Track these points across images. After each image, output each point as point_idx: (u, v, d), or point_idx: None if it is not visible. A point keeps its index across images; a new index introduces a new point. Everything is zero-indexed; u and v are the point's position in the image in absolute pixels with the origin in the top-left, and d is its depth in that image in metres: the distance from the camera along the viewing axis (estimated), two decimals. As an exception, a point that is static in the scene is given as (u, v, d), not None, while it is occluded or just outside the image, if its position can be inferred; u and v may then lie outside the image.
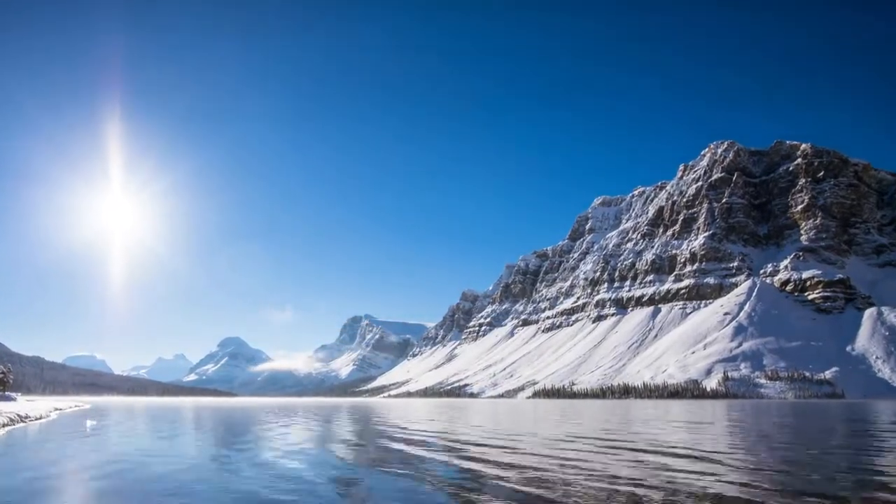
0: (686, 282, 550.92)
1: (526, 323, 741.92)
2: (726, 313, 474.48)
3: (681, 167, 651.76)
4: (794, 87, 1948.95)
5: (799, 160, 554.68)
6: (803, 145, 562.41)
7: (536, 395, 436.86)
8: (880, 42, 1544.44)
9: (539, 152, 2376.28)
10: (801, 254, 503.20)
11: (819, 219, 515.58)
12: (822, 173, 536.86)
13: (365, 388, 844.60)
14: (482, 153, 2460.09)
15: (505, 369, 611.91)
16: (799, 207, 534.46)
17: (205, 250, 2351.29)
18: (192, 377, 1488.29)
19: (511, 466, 15.40)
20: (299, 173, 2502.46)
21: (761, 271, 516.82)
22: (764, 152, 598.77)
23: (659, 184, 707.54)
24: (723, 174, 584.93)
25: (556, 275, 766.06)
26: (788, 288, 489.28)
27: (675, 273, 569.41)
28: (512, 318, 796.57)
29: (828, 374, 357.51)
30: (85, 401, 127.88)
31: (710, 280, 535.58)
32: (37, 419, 38.25)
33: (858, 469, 15.77)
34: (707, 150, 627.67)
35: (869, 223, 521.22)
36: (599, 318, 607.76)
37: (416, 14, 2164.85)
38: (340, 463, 15.77)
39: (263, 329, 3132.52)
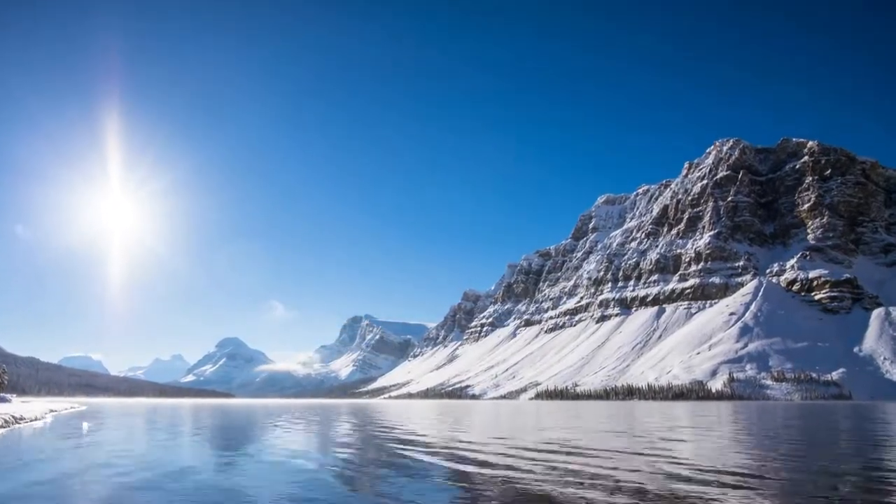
0: (691, 281, 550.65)
1: (528, 323, 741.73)
2: (732, 313, 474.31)
3: (686, 165, 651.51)
4: (800, 84, 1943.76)
5: (805, 158, 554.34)
6: (810, 143, 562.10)
7: (539, 396, 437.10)
8: (888, 39, 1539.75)
9: (542, 149, 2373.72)
10: (807, 253, 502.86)
11: (826, 217, 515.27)
12: (829, 171, 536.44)
13: (365, 389, 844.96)
14: (484, 150, 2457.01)
15: (507, 370, 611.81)
16: (805, 206, 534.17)
17: (204, 249, 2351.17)
18: (190, 378, 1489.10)
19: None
20: (299, 171, 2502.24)
21: (767, 271, 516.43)
22: (770, 150, 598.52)
23: (663, 182, 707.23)
24: (728, 172, 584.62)
25: (559, 274, 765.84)
26: (795, 288, 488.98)
27: (679, 273, 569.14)
28: (514, 319, 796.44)
29: (835, 376, 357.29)
30: (81, 402, 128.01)
31: (716, 280, 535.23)
32: (32, 421, 38.27)
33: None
34: (712, 147, 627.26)
35: (877, 222, 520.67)
36: (603, 319, 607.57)
37: (417, 9, 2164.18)
38: (342, 470, 15.71)
39: (262, 329, 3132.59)
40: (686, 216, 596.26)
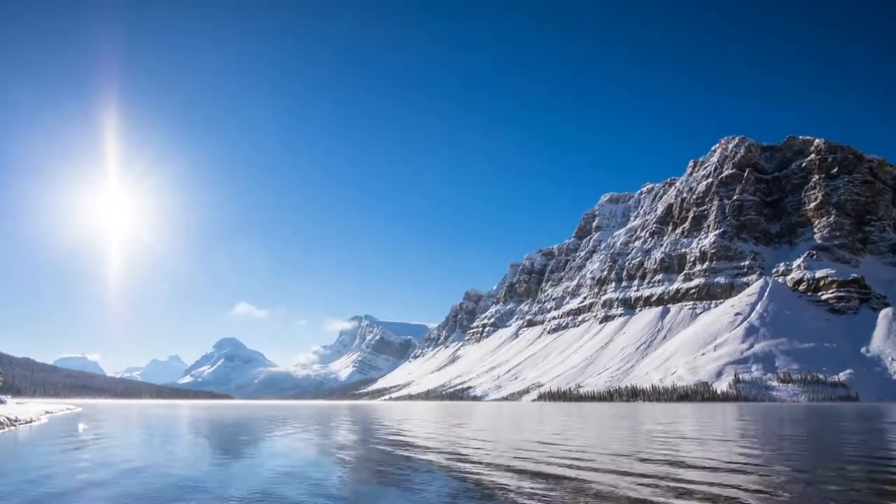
0: (696, 281, 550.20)
1: (531, 323, 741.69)
2: (737, 314, 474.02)
3: (690, 163, 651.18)
4: (806, 81, 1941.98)
5: (812, 156, 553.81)
6: (817, 140, 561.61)
7: (542, 397, 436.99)
8: (895, 36, 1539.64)
9: (545, 148, 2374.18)
10: (814, 252, 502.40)
11: (833, 216, 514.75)
12: (836, 169, 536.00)
13: (365, 390, 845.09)
14: (486, 148, 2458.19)
15: (509, 371, 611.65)
16: (812, 205, 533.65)
17: (203, 247, 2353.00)
18: (188, 379, 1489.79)
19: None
20: (299, 169, 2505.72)
21: (773, 270, 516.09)
22: (776, 148, 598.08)
23: (668, 180, 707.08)
24: (734, 170, 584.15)
25: (562, 274, 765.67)
26: (801, 287, 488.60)
27: (684, 272, 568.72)
28: (517, 319, 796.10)
29: (842, 377, 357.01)
30: (77, 403, 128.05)
31: (721, 279, 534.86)
32: (27, 423, 38.24)
33: None
34: (717, 145, 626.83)
35: (884, 221, 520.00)
36: (607, 319, 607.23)
37: (419, 6, 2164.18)
38: (344, 478, 15.63)
39: (261, 330, 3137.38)
40: (691, 215, 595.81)
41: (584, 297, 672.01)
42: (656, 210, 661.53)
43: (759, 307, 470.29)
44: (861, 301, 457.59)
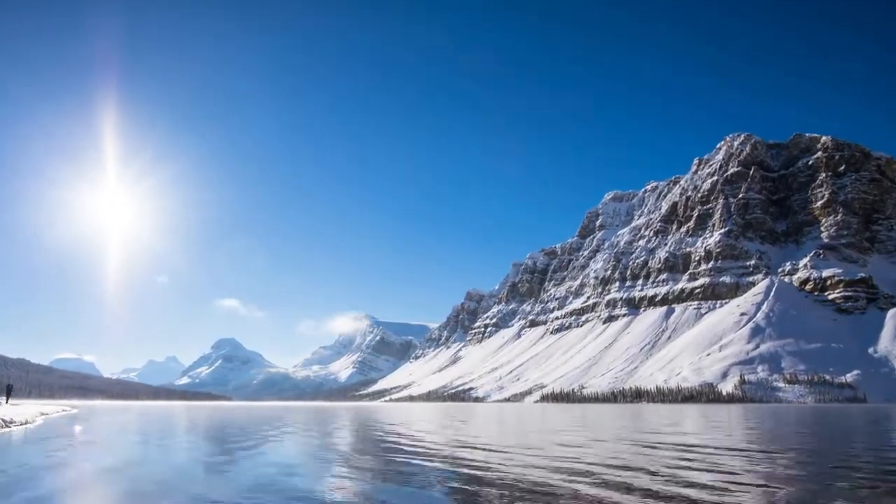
0: (701, 281, 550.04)
1: (533, 324, 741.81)
2: (743, 314, 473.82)
3: (695, 161, 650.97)
4: (813, 78, 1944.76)
5: (819, 154, 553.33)
6: (823, 138, 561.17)
7: (544, 398, 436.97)
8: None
9: (547, 145, 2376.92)
10: (821, 251, 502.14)
11: (840, 215, 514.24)
12: (843, 167, 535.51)
13: (365, 391, 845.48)
14: (488, 146, 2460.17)
15: (511, 372, 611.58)
16: (819, 203, 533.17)
17: (203, 247, 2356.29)
18: (185, 380, 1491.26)
19: None
20: (300, 168, 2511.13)
21: (779, 270, 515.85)
22: (782, 145, 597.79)
23: (672, 178, 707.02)
24: (739, 168, 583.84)
25: (565, 273, 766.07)
26: (808, 287, 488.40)
27: (689, 272, 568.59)
28: (519, 319, 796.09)
29: (849, 378, 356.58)
30: (72, 405, 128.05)
31: (726, 279, 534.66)
32: (22, 424, 38.19)
33: None
34: (723, 142, 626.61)
35: (892, 220, 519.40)
36: (610, 319, 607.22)
37: (422, 2, 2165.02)
38: (329, 487, 15.52)
39: (260, 330, 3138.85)
40: (696, 214, 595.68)
41: (588, 297, 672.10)
42: (661, 208, 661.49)
43: (764, 307, 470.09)
44: (868, 301, 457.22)
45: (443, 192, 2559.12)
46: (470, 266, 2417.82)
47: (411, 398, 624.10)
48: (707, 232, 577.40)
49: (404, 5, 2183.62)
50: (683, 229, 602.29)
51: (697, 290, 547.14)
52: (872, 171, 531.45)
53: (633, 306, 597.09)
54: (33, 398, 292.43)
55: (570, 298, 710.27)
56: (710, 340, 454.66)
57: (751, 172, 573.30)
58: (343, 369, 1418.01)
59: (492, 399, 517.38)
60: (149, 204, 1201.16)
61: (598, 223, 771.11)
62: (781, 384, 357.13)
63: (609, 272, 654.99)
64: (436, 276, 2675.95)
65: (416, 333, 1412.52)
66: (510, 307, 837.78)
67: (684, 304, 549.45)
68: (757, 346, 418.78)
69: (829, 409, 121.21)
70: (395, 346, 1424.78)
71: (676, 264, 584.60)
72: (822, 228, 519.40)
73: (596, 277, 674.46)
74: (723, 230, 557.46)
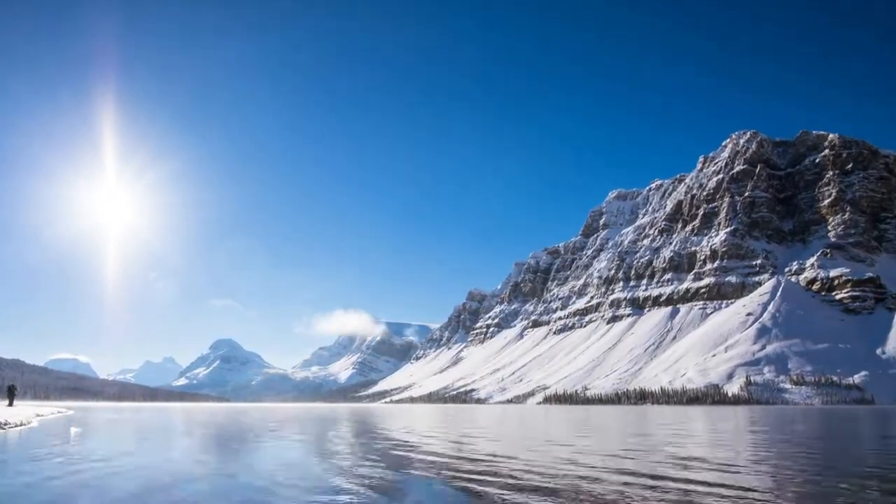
0: (706, 280, 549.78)
1: (536, 324, 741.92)
2: (749, 314, 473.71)
3: (700, 159, 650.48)
4: (820, 74, 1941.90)
5: (826, 151, 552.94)
6: (831, 135, 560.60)
7: (547, 400, 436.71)
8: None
9: (550, 143, 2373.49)
10: (828, 251, 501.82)
11: (847, 214, 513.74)
12: (850, 165, 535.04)
13: (365, 392, 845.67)
14: (490, 144, 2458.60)
15: (514, 373, 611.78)
16: (826, 202, 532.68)
17: (202, 246, 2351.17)
18: (182, 381, 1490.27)
19: None
20: (300, 167, 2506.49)
21: (786, 269, 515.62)
22: (789, 143, 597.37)
23: (677, 176, 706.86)
24: (745, 166, 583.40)
25: (568, 273, 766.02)
26: (815, 287, 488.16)
27: (694, 271, 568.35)
28: (521, 319, 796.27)
29: (856, 379, 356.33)
30: (68, 406, 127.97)
31: (732, 279, 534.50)
32: (17, 426, 38.06)
33: None
34: (728, 140, 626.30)
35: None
36: (614, 319, 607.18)
37: (422, 1, 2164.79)
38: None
39: (258, 330, 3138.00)
40: (701, 212, 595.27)
41: (591, 297, 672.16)
42: (665, 207, 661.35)
43: (771, 307, 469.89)
44: (876, 301, 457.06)
45: (444, 191, 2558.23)
46: (472, 265, 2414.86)
47: (412, 400, 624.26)
48: (712, 231, 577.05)
49: (405, 5, 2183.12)
50: (688, 228, 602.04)
51: (703, 290, 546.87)
52: (880, 168, 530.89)
53: (638, 306, 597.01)
54: (28, 399, 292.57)
55: (574, 298, 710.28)
56: (716, 341, 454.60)
57: (757, 170, 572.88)
58: (343, 370, 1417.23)
59: (494, 400, 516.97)
60: (147, 201, 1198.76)
61: (601, 222, 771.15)
62: (788, 385, 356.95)
63: (613, 272, 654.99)
64: (437, 276, 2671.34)
65: (417, 334, 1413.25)
66: (512, 307, 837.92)
67: (689, 304, 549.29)
68: (763, 347, 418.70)
69: (838, 412, 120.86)
70: (396, 346, 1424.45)
71: (681, 264, 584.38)
72: (830, 227, 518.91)
73: (600, 277, 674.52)
74: (728, 229, 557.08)
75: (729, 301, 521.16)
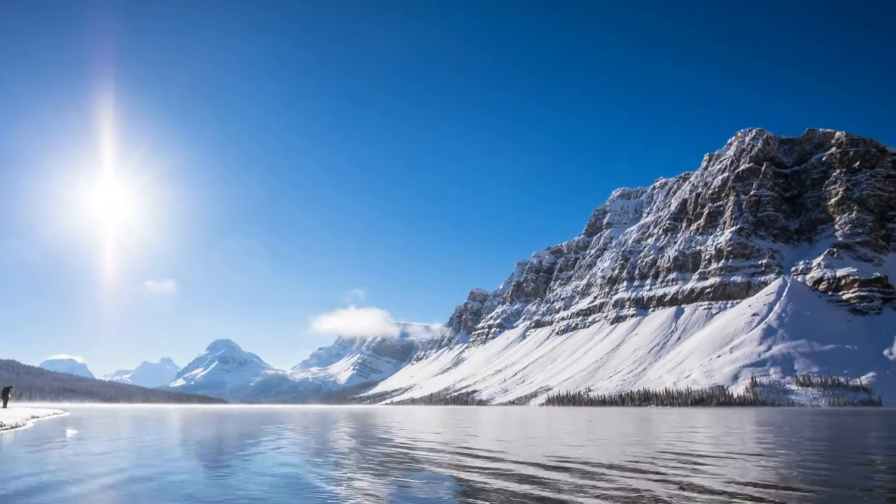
0: (711, 280, 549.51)
1: (539, 324, 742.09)
2: (754, 314, 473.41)
3: (705, 157, 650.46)
4: (827, 71, 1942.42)
5: (833, 149, 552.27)
6: (838, 133, 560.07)
7: (550, 401, 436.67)
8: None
9: (553, 141, 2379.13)
10: (835, 250, 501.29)
11: (855, 212, 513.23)
12: (857, 163, 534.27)
13: (365, 394, 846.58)
14: (492, 142, 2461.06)
15: (516, 374, 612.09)
16: (833, 200, 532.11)
17: (201, 245, 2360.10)
18: (180, 382, 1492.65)
19: None
20: (300, 166, 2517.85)
21: (792, 269, 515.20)
22: (795, 141, 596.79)
23: (682, 175, 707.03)
24: (751, 164, 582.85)
25: (571, 272, 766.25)
26: (822, 287, 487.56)
27: (699, 271, 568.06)
28: (524, 319, 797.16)
29: (864, 380, 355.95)
30: (64, 408, 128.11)
31: (738, 278, 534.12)
32: (11, 427, 38.07)
33: None
34: (734, 138, 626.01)
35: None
36: (618, 320, 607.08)
37: (425, 1, 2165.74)
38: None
39: (256, 331, 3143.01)
40: (706, 211, 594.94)
41: (595, 297, 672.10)
42: (670, 206, 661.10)
43: (777, 307, 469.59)
44: (884, 301, 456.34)
45: (446, 190, 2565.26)
46: (473, 265, 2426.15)
47: (413, 401, 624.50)
48: (718, 230, 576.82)
49: (407, 4, 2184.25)
50: (693, 227, 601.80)
51: (708, 290, 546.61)
52: (888, 167, 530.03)
53: (642, 306, 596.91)
54: (24, 401, 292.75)
55: (577, 298, 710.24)
56: (721, 342, 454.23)
57: (763, 168, 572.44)
58: (342, 371, 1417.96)
59: (496, 402, 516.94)
60: (145, 199, 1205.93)
61: (605, 221, 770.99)
62: (794, 387, 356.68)
63: (617, 271, 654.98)
64: (438, 276, 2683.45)
65: (417, 334, 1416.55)
66: (515, 307, 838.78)
67: (694, 304, 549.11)
68: (769, 348, 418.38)
69: (847, 413, 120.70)
70: (397, 347, 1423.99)
71: (686, 263, 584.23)
72: (837, 226, 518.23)
73: (603, 277, 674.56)
74: (734, 228, 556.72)
75: (734, 301, 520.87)
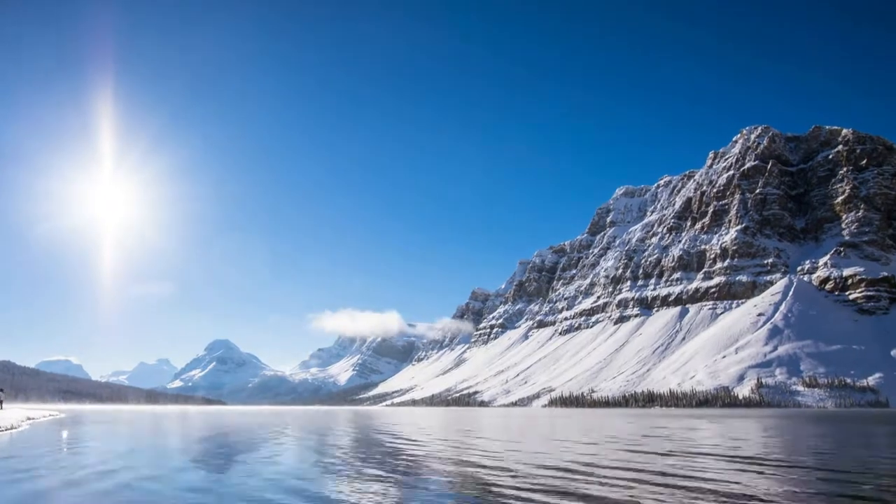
0: (716, 280, 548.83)
1: (541, 324, 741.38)
2: (760, 314, 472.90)
3: (710, 154, 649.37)
4: (833, 68, 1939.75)
5: (839, 147, 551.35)
6: (844, 131, 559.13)
7: (553, 403, 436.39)
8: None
9: (556, 139, 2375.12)
10: (841, 249, 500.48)
11: (861, 211, 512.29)
12: (864, 161, 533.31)
13: (365, 395, 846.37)
14: (493, 140, 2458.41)
15: (518, 375, 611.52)
16: (839, 199, 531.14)
17: (200, 244, 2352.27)
18: (177, 383, 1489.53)
19: None
20: (300, 165, 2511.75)
21: (798, 268, 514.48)
22: (801, 138, 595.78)
23: (687, 173, 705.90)
24: (756, 162, 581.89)
25: (574, 272, 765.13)
26: (828, 286, 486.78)
27: (704, 270, 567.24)
28: (526, 319, 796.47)
29: (871, 381, 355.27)
30: (60, 409, 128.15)
31: (743, 278, 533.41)
32: (7, 429, 38.21)
33: None
34: (739, 135, 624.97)
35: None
36: (622, 320, 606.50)
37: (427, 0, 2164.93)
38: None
39: (255, 331, 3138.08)
40: (711, 209, 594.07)
41: (598, 297, 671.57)
42: (674, 204, 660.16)
43: (783, 307, 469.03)
44: (891, 301, 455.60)
45: (447, 189, 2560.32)
46: (475, 264, 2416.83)
47: (414, 402, 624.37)
48: (723, 229, 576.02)
49: (407, 4, 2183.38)
50: (698, 226, 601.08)
51: (713, 290, 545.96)
52: (895, 165, 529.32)
53: (646, 306, 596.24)
54: (19, 402, 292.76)
55: (580, 298, 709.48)
56: (726, 342, 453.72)
57: (768, 166, 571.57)
58: (342, 372, 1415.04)
59: (498, 403, 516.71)
60: (144, 196, 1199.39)
61: (609, 219, 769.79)
62: (800, 388, 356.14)
63: (620, 271, 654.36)
64: (440, 275, 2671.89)
65: (418, 335, 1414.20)
66: (517, 307, 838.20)
67: (699, 304, 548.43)
68: (775, 348, 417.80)
69: (857, 415, 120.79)
70: (397, 347, 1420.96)
71: (691, 262, 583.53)
72: (843, 225, 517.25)
73: (607, 276, 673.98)
74: (739, 227, 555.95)
75: (740, 301, 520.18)
